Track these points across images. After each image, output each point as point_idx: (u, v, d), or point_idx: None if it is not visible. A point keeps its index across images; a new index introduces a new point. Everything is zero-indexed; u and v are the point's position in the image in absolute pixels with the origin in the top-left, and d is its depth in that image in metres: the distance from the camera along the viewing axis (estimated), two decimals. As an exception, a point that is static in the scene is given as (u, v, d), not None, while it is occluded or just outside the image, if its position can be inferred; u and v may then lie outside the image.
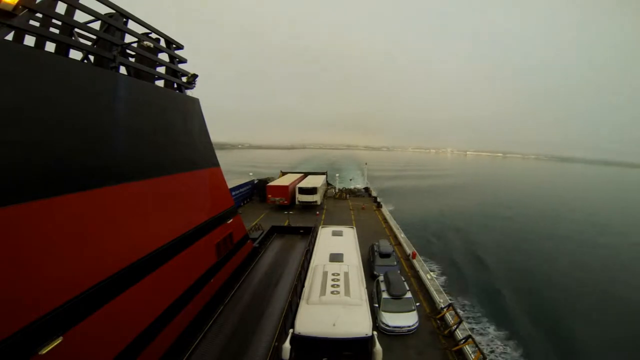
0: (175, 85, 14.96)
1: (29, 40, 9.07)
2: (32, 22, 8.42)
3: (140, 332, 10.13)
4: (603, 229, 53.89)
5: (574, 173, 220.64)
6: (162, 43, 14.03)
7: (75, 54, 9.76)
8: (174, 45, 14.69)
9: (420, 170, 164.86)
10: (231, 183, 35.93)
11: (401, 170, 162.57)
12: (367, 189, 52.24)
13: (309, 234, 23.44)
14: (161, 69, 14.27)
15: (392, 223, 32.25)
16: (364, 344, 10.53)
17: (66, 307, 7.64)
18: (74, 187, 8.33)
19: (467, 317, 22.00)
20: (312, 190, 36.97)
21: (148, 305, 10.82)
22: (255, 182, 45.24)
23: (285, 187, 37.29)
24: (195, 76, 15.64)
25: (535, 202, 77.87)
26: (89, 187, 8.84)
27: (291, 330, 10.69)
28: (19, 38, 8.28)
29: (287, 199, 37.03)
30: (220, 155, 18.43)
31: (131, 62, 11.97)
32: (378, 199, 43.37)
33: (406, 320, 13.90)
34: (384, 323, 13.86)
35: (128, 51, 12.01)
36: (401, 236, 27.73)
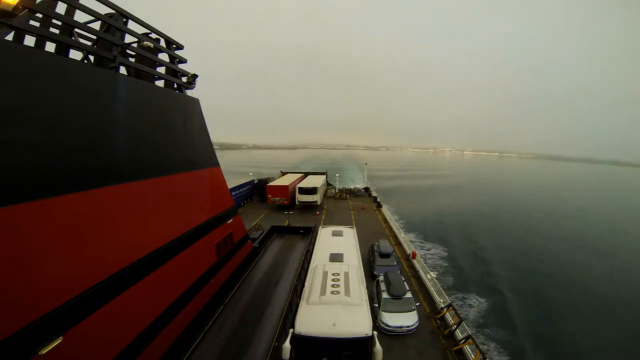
0: (175, 86, 14.96)
1: (29, 40, 9.08)
2: (32, 22, 8.43)
3: (140, 332, 10.12)
4: (587, 219, 60.86)
5: (568, 171, 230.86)
6: (162, 43, 14.03)
7: (75, 54, 9.77)
8: (174, 46, 14.70)
9: (420, 170, 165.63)
10: (231, 183, 35.93)
11: (401, 170, 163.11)
12: (367, 189, 52.22)
13: (309, 234, 23.43)
14: (161, 69, 14.27)
15: (392, 223, 32.27)
16: (364, 344, 10.53)
17: (66, 307, 7.63)
18: (74, 187, 8.32)
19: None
20: (312, 190, 36.97)
21: (148, 305, 10.82)
22: (255, 182, 45.24)
23: (285, 187, 37.29)
24: (195, 76, 15.65)
25: (533, 200, 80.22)
26: (89, 187, 8.84)
27: (291, 330, 10.69)
28: (19, 38, 8.28)
29: (287, 199, 37.03)
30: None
31: (131, 62, 11.96)
32: (378, 199, 43.38)
33: (406, 320, 13.91)
34: (384, 323, 13.86)
35: (128, 51, 12.01)
36: (401, 236, 27.73)
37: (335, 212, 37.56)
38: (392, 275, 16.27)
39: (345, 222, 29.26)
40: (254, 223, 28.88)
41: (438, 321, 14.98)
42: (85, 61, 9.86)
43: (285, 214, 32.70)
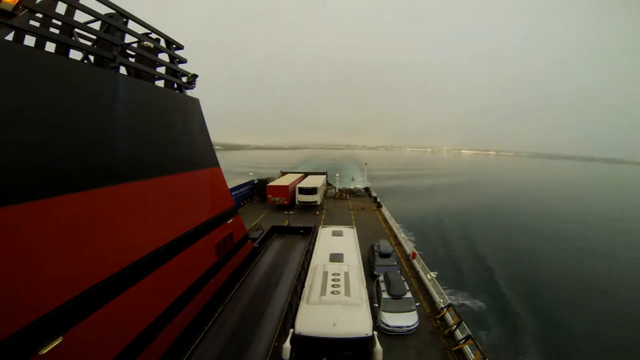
0: (175, 85, 14.96)
1: (29, 40, 9.08)
2: (32, 22, 8.43)
3: (140, 332, 10.12)
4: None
5: (565, 169, 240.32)
6: (162, 43, 14.03)
7: (75, 54, 9.76)
8: (174, 46, 14.69)
9: (419, 170, 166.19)
10: (231, 183, 35.92)
11: (401, 169, 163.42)
12: (367, 189, 52.20)
13: (309, 234, 23.43)
14: (161, 69, 14.27)
15: (392, 223, 32.26)
16: (364, 343, 10.53)
17: (66, 307, 7.64)
18: (74, 187, 8.32)
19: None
20: (312, 190, 36.94)
21: (148, 305, 10.82)
22: (255, 182, 45.23)
23: (285, 187, 37.28)
24: (195, 76, 15.65)
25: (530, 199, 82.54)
26: (89, 187, 8.84)
27: (291, 330, 10.70)
28: (19, 38, 8.27)
29: (287, 199, 37.01)
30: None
31: (131, 62, 11.96)
32: (378, 199, 43.36)
33: (406, 320, 13.90)
34: (384, 323, 13.85)
35: (128, 51, 12.01)
36: (401, 236, 27.72)
37: (335, 212, 37.55)
38: (392, 275, 16.26)
39: (345, 222, 29.25)
40: (254, 223, 28.87)
41: (438, 321, 14.98)
42: (85, 61, 9.86)
43: (285, 214, 32.69)
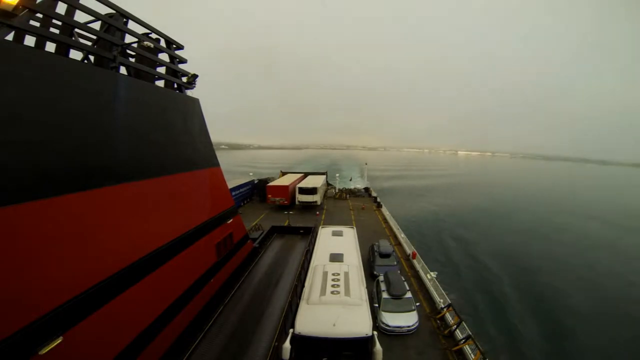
0: (176, 86, 14.96)
1: (29, 40, 9.07)
2: (32, 22, 8.43)
3: (140, 332, 10.12)
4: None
5: (557, 170, 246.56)
6: (162, 43, 14.02)
7: (75, 54, 9.76)
8: (174, 46, 14.69)
9: (418, 170, 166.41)
10: (231, 183, 35.92)
11: (401, 169, 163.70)
12: (367, 189, 52.21)
13: (309, 234, 23.44)
14: (161, 69, 14.27)
15: (392, 223, 32.25)
16: (364, 343, 10.53)
17: (66, 307, 7.64)
18: (74, 187, 8.32)
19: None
20: (312, 190, 36.93)
21: (148, 305, 10.82)
22: (255, 182, 45.22)
23: (285, 187, 37.27)
24: (195, 76, 15.65)
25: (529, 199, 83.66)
26: (89, 187, 8.84)
27: (291, 330, 10.70)
28: (19, 38, 8.27)
29: (287, 199, 37.01)
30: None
31: (131, 62, 11.95)
32: (378, 199, 43.36)
33: (406, 320, 13.90)
34: (384, 323, 13.85)
35: (128, 51, 12.01)
36: (401, 236, 27.72)
37: (335, 212, 37.54)
38: (392, 275, 16.25)
39: (345, 222, 29.25)
40: (254, 223, 28.88)
41: (438, 321, 14.97)
42: (86, 61, 9.86)
43: (285, 214, 32.69)
